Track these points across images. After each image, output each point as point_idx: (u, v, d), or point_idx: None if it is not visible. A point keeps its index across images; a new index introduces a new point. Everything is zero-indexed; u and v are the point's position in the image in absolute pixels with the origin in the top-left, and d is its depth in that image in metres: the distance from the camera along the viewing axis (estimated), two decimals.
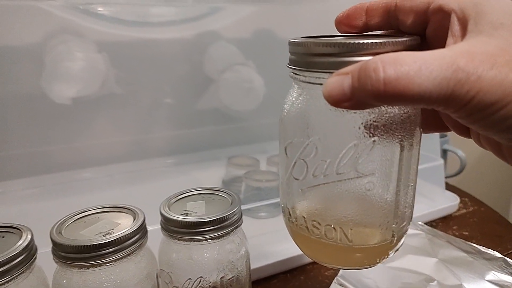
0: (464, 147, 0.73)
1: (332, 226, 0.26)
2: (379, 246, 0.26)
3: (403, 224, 0.27)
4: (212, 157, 0.74)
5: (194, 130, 0.75)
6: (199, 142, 0.75)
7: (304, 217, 0.27)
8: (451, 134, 0.77)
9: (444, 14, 0.22)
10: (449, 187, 0.65)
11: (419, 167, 0.55)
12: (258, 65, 0.73)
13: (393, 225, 0.26)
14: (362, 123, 0.23)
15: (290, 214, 0.28)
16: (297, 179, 0.26)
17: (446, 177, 0.64)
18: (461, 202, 0.62)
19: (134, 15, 0.63)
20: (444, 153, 0.72)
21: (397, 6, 0.24)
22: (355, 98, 0.19)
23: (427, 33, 0.24)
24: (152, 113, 0.70)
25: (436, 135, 0.63)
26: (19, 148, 0.60)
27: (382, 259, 0.27)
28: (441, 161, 0.61)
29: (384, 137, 0.23)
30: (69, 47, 0.58)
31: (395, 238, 0.26)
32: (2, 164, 0.59)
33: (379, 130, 0.23)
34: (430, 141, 0.62)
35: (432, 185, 0.62)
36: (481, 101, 0.17)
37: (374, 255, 0.27)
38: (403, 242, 0.28)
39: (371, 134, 0.23)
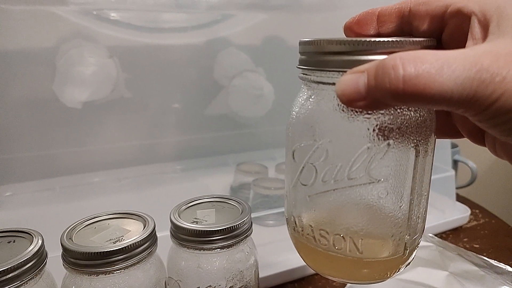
0: (475, 158, 0.72)
1: (342, 235, 0.24)
2: (390, 260, 0.25)
3: (416, 236, 0.26)
4: (221, 163, 0.74)
5: (203, 135, 0.75)
6: (207, 148, 0.75)
7: (311, 226, 0.26)
8: (462, 145, 0.76)
9: (463, 17, 0.21)
10: (459, 198, 0.64)
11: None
12: (268, 72, 0.73)
13: (406, 237, 0.25)
14: (376, 125, 0.22)
15: (295, 224, 0.27)
16: (304, 185, 0.25)
17: (457, 188, 0.63)
18: (471, 214, 0.61)
19: (146, 21, 0.64)
20: (455, 164, 0.71)
21: (411, 10, 0.23)
22: (371, 97, 0.19)
23: (443, 38, 0.23)
24: (162, 118, 0.70)
25: (448, 145, 0.63)
26: (29, 150, 0.60)
27: (393, 274, 0.26)
28: (452, 172, 0.61)
29: (399, 140, 0.22)
30: (81, 52, 0.59)
31: (408, 251, 0.25)
32: (12, 167, 0.59)
33: (393, 133, 0.22)
34: (441, 152, 0.62)
35: (442, 196, 0.61)
36: (506, 103, 0.17)
37: (384, 269, 0.26)
38: (414, 256, 0.26)
39: (385, 137, 0.22)
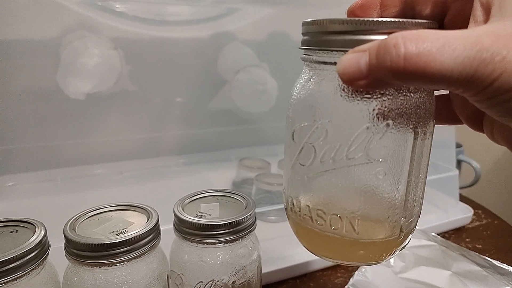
0: (478, 158, 0.72)
1: (339, 215, 0.24)
2: (386, 241, 0.25)
3: (411, 220, 0.26)
4: (223, 158, 0.74)
5: (205, 130, 0.74)
6: (210, 142, 0.75)
7: (308, 206, 0.26)
8: (466, 145, 0.76)
9: (465, 1, 0.21)
10: (462, 198, 0.64)
11: (432, 177, 0.54)
12: (272, 67, 0.72)
13: (402, 219, 0.25)
14: (376, 106, 0.22)
15: (293, 204, 0.27)
16: (303, 166, 0.25)
17: (460, 188, 0.63)
18: (474, 214, 0.60)
19: (151, 13, 0.63)
20: (459, 163, 0.71)
21: None
22: (372, 76, 0.19)
23: (445, 22, 0.23)
24: (165, 111, 0.70)
25: (452, 144, 0.62)
26: (32, 141, 0.60)
27: (388, 256, 0.26)
28: (456, 171, 0.60)
29: (398, 121, 0.22)
30: (85, 43, 0.58)
31: (403, 234, 0.25)
32: (14, 157, 0.59)
33: (393, 114, 0.22)
34: (445, 151, 0.61)
35: (445, 195, 0.61)
36: (505, 83, 0.17)
37: (380, 251, 0.26)
38: (410, 240, 0.27)
39: (384, 118, 0.22)
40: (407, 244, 0.27)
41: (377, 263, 0.27)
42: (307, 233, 0.27)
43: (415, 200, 0.25)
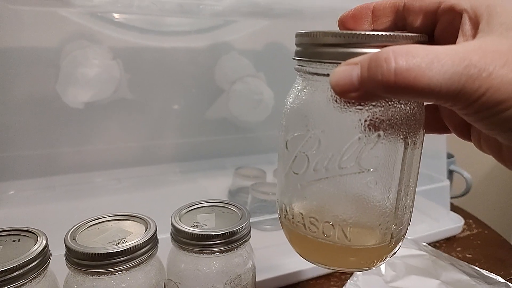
0: (469, 169, 0.73)
1: (331, 223, 0.25)
2: (377, 248, 0.26)
3: (402, 227, 0.26)
4: (219, 166, 0.75)
5: (202, 138, 0.75)
6: (207, 151, 0.76)
7: (301, 213, 0.26)
8: (458, 155, 0.77)
9: (455, 14, 0.22)
10: (453, 208, 0.65)
11: (424, 187, 0.55)
12: (269, 77, 0.73)
13: (393, 226, 0.25)
14: (367, 117, 0.23)
15: (286, 211, 0.28)
16: (296, 174, 0.26)
17: (451, 198, 0.64)
18: (465, 224, 0.62)
19: (150, 24, 0.65)
20: (450, 174, 0.72)
21: (405, 6, 0.24)
22: (363, 89, 0.19)
23: (435, 33, 0.24)
24: (162, 120, 0.71)
25: (444, 155, 0.64)
26: (32, 148, 0.61)
27: (379, 262, 0.27)
28: (447, 182, 0.62)
29: (389, 132, 0.23)
30: (85, 53, 0.59)
31: (394, 241, 0.26)
32: (13, 164, 0.60)
33: (384, 125, 0.23)
34: (437, 161, 0.63)
35: (437, 205, 0.62)
36: (491, 98, 0.17)
37: (371, 257, 0.27)
38: (400, 247, 0.27)
39: (376, 129, 0.23)
40: (397, 250, 0.27)
41: (368, 269, 0.28)
42: (300, 240, 0.28)
43: (405, 207, 0.26)
